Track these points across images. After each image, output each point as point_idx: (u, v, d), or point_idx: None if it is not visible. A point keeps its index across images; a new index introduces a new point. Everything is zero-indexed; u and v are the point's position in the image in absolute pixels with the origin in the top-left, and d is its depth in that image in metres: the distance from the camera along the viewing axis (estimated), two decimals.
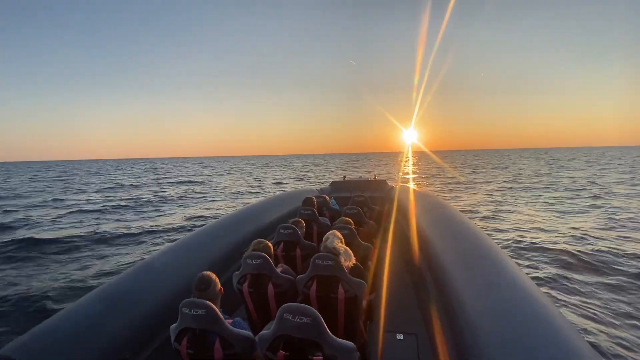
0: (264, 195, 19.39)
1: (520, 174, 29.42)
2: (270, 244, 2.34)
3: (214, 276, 1.72)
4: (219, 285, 1.71)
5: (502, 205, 13.40)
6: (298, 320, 1.33)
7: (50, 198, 19.19)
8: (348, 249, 2.12)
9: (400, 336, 2.53)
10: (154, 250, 7.37)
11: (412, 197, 4.71)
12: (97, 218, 12.78)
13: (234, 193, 20.82)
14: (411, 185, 6.05)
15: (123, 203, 16.49)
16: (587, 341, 1.43)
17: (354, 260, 2.09)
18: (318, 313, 1.35)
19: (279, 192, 5.93)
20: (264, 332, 1.46)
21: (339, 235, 2.19)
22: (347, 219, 3.13)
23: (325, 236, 2.19)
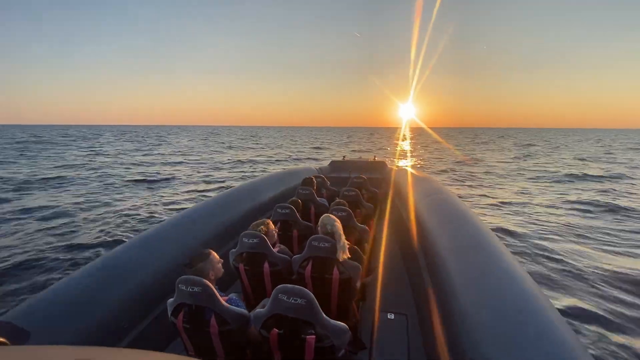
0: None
1: None
2: (272, 225, 2.34)
3: (207, 252, 1.72)
4: (212, 262, 1.70)
5: None
6: (293, 301, 1.36)
7: None
8: (346, 242, 2.12)
9: (391, 316, 2.61)
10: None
11: (410, 180, 4.70)
12: None
13: None
14: (409, 168, 6.04)
15: None
16: (575, 332, 1.47)
17: (347, 253, 2.07)
18: (312, 295, 1.37)
19: (277, 170, 5.90)
20: (258, 310, 1.50)
21: (339, 224, 2.17)
22: (344, 201, 3.13)
23: (324, 221, 2.19)
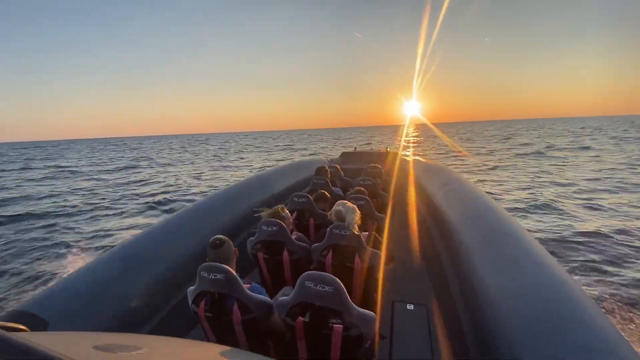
0: None
1: None
2: (288, 213, 2.31)
3: (227, 238, 1.70)
4: (232, 247, 1.69)
5: None
6: (320, 288, 1.31)
7: None
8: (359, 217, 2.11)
9: (410, 306, 2.55)
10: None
11: (426, 169, 4.60)
12: None
13: None
14: (423, 159, 5.91)
15: None
16: (613, 322, 1.40)
17: (357, 229, 2.08)
18: (340, 282, 1.32)
19: (289, 161, 5.87)
20: (283, 298, 1.46)
21: (356, 208, 2.13)
22: (362, 189, 3.07)
23: (339, 208, 2.14)
